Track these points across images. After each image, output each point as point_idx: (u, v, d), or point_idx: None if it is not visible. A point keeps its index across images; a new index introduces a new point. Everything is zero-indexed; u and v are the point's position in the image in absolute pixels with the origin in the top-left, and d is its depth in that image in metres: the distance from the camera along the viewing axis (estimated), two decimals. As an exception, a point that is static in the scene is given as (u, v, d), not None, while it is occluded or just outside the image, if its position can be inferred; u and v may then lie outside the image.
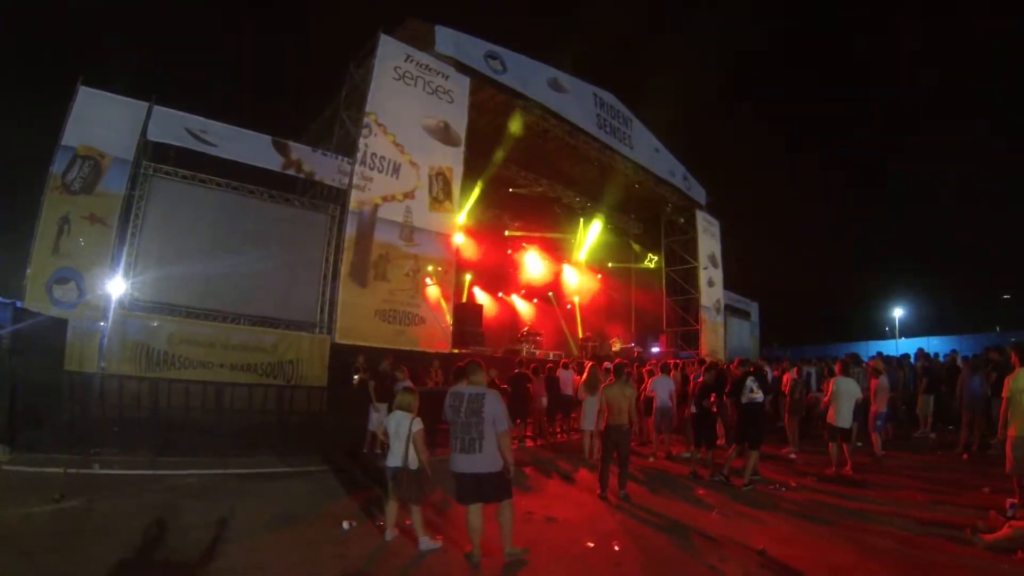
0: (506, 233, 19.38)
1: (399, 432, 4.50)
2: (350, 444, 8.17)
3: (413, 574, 4.07)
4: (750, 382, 6.84)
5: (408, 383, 7.40)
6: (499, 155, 15.14)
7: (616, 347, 18.62)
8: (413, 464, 4.41)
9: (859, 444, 8.31)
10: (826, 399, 7.86)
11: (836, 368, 8.25)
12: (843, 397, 7.43)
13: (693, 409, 7.93)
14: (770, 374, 9.93)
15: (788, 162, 51.90)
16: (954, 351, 11.05)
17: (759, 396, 6.87)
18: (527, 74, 13.85)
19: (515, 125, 14.25)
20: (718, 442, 7.85)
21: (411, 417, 4.52)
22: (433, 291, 11.57)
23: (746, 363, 7.39)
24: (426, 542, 4.40)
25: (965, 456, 8.24)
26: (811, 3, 53.25)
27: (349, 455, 7.89)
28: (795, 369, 10.26)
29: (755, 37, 54.35)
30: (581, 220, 21.01)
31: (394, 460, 4.49)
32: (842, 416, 7.38)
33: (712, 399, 7.55)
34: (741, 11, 50.44)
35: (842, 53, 52.72)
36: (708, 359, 11.03)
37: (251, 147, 10.09)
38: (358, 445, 8.16)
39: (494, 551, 4.24)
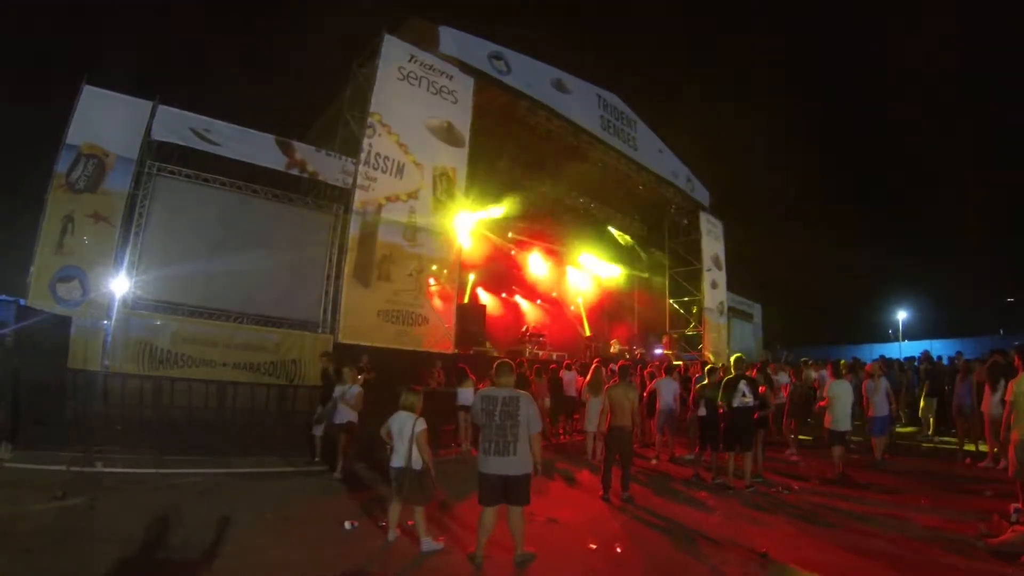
0: (509, 235, 19.34)
1: (403, 432, 4.49)
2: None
3: (415, 574, 4.07)
4: (742, 386, 6.80)
5: (357, 388, 6.89)
6: (502, 156, 15.11)
7: (614, 349, 18.52)
8: (417, 464, 4.41)
9: (851, 446, 8.18)
10: (821, 403, 7.88)
11: (828, 371, 8.23)
12: (838, 401, 7.46)
13: (700, 412, 7.87)
14: (786, 377, 9.55)
15: (791, 163, 51.68)
16: (959, 353, 10.99)
17: (750, 401, 6.81)
18: (531, 75, 13.84)
19: (519, 126, 14.22)
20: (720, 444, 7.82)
21: (415, 417, 4.52)
22: (436, 291, 11.57)
23: (741, 363, 7.23)
24: (428, 543, 4.39)
25: (968, 460, 8.21)
26: (812, 4, 53.08)
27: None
28: (791, 372, 10.11)
29: (757, 36, 54.20)
30: (585, 221, 20.95)
31: (398, 460, 4.49)
32: (838, 419, 7.39)
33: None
34: (743, 11, 50.38)
35: (845, 51, 52.54)
36: (711, 361, 10.96)
37: (255, 147, 10.12)
38: (360, 446, 8.12)
39: (496, 552, 4.23)
